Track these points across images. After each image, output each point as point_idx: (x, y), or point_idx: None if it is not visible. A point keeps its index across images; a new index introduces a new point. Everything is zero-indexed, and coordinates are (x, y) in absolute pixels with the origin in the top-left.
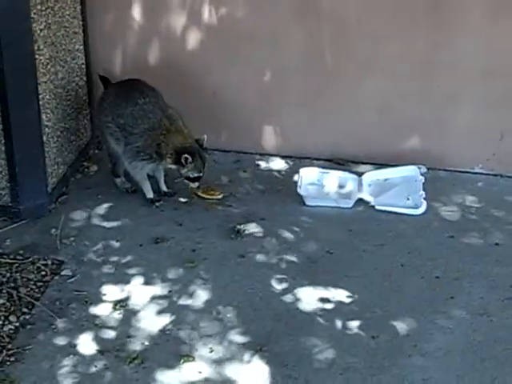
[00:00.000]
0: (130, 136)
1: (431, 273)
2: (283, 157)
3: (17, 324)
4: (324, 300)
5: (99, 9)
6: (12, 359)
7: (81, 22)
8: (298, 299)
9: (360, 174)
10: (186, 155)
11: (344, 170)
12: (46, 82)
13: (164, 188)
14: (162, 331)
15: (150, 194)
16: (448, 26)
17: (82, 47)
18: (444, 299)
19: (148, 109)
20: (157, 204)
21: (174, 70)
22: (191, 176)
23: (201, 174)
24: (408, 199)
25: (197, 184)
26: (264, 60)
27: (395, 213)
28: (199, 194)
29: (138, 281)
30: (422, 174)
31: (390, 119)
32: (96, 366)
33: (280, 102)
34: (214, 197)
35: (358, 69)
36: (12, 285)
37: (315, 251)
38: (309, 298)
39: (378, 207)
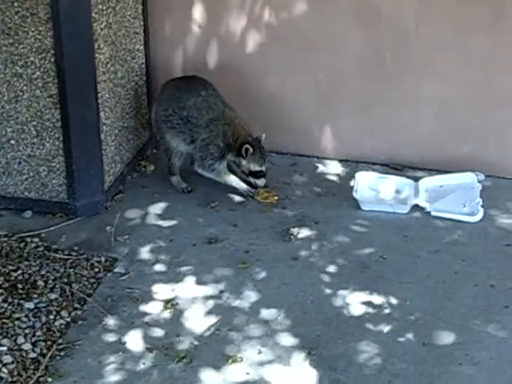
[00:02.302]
0: (195, 128)
1: (486, 281)
2: (340, 160)
3: (68, 319)
4: (375, 305)
5: (160, 10)
6: (62, 354)
7: (142, 23)
8: (348, 304)
9: (417, 180)
10: (247, 146)
11: (401, 176)
12: (105, 81)
13: None
14: (211, 331)
15: (244, 187)
16: (508, 34)
17: (142, 47)
18: (498, 308)
19: (211, 100)
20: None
21: (233, 72)
22: (252, 169)
23: (263, 169)
24: (465, 206)
25: (263, 181)
26: (322, 64)
27: (451, 219)
28: (255, 196)
29: (189, 280)
30: (479, 181)
31: (447, 125)
32: (144, 364)
33: (337, 106)
34: (267, 201)
35: (416, 74)
36: (65, 280)
37: (368, 256)
38: (360, 302)
39: (433, 213)
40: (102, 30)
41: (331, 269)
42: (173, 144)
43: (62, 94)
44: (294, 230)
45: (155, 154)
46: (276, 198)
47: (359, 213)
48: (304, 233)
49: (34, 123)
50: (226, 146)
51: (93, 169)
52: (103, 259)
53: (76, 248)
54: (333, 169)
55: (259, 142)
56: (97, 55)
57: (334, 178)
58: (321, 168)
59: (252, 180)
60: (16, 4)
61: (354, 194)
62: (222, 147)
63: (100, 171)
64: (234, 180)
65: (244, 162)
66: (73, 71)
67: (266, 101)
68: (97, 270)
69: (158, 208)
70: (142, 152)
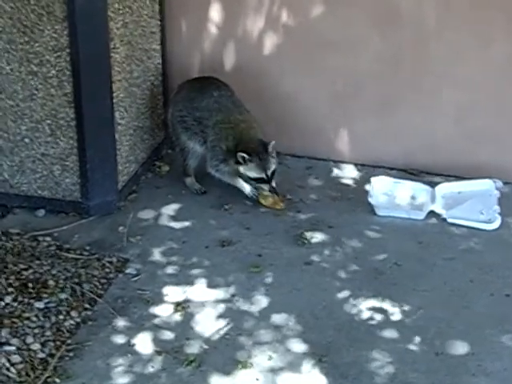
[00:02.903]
0: (205, 129)
1: (502, 290)
2: (356, 164)
3: (78, 320)
4: (388, 313)
5: (177, 9)
6: (71, 354)
7: (158, 22)
8: (361, 310)
9: (433, 186)
10: (241, 153)
11: (417, 181)
12: (120, 80)
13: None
14: (222, 335)
15: (248, 189)
16: None
17: (158, 47)
18: None
19: (222, 102)
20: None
21: (249, 73)
22: (251, 176)
23: (263, 176)
24: (482, 213)
25: (267, 186)
26: (339, 65)
27: (468, 227)
28: (261, 200)
29: (201, 283)
30: (497, 188)
31: (465, 130)
32: (153, 367)
33: (354, 109)
34: (272, 207)
35: (435, 78)
36: (76, 280)
37: (382, 262)
38: (373, 309)
39: (450, 220)
40: (118, 29)
41: (344, 274)
42: (189, 145)
43: (77, 93)
44: (308, 235)
45: (170, 154)
46: (282, 205)
47: (374, 218)
48: (318, 237)
49: (49, 122)
50: (228, 150)
51: (107, 168)
52: (115, 260)
53: (88, 248)
54: (348, 173)
55: (264, 149)
56: (112, 54)
57: (350, 182)
58: (336, 172)
59: (255, 185)
60: (32, 2)
61: (369, 198)
62: (225, 151)
63: (114, 171)
64: (239, 182)
65: (242, 169)
66: (88, 70)
67: (282, 102)
68: (108, 270)
69: (171, 209)
70: (157, 152)
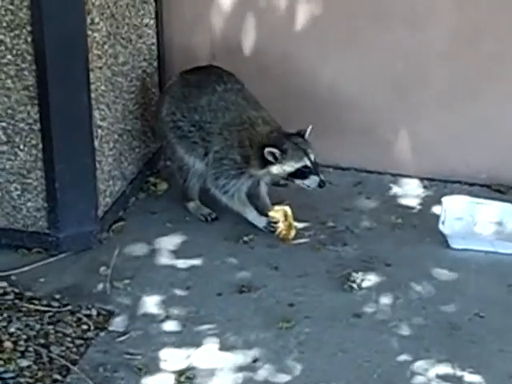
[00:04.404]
0: (207, 137)
1: None
2: (422, 179)
3: None
4: (466, 382)
5: None
6: None
7: None
8: (431, 379)
9: None
10: (269, 149)
11: (505, 201)
12: (101, 68)
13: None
14: None
15: (263, 222)
16: None
17: (152, 22)
18: None
19: (229, 98)
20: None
21: (274, 58)
22: (291, 170)
23: (306, 163)
24: None
25: (315, 179)
26: (397, 45)
27: None
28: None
29: (211, 344)
30: None
31: None
32: None
33: (418, 103)
34: (281, 237)
35: None
36: (42, 341)
37: (459, 313)
38: (447, 377)
39: None
40: None
41: (407, 330)
42: (187, 160)
43: (42, 86)
44: (358, 276)
45: (169, 167)
46: (292, 238)
47: (447, 252)
48: (371, 279)
49: (4, 125)
50: (243, 158)
51: (83, 187)
52: (94, 313)
53: (58, 296)
54: (412, 190)
55: (299, 135)
56: (90, 33)
57: (414, 204)
58: (395, 189)
59: (300, 183)
60: None
61: (440, 226)
62: (240, 161)
63: (93, 191)
64: (250, 212)
65: (275, 170)
66: (56, 55)
67: (320, 96)
68: (85, 327)
69: (171, 242)
70: (151, 165)
